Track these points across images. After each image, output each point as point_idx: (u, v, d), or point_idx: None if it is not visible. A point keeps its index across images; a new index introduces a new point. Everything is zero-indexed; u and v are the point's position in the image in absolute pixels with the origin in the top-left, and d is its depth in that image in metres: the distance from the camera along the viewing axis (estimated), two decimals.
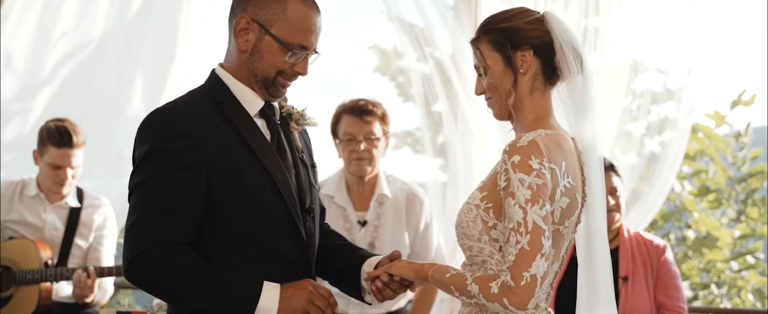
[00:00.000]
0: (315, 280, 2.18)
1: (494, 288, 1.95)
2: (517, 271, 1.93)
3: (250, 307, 2.00)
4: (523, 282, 1.92)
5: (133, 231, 2.01)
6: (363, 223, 3.55)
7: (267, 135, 2.15)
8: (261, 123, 2.15)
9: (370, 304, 2.29)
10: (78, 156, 3.69)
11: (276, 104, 2.21)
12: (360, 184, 3.57)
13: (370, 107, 3.49)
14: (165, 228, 1.99)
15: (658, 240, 3.73)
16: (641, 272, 3.62)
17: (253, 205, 2.06)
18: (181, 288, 2.00)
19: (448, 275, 2.04)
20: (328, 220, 2.61)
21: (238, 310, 2.01)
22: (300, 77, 2.16)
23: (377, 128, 3.50)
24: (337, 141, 3.57)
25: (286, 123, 2.22)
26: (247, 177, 2.06)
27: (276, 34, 2.08)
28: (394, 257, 2.20)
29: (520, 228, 1.94)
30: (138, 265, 2.00)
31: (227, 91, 2.13)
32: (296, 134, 2.23)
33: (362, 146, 3.46)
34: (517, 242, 1.94)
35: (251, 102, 2.13)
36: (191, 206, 2.02)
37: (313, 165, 2.28)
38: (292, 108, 2.24)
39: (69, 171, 3.68)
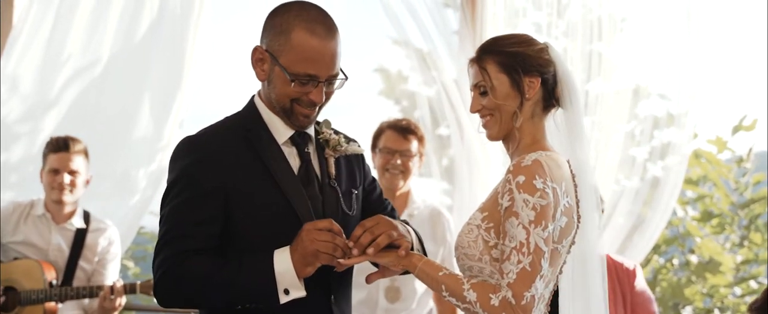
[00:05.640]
0: (332, 302, 2.19)
1: (494, 300, 1.98)
2: (518, 290, 1.97)
3: (270, 278, 2.03)
4: (523, 302, 1.97)
5: (156, 256, 2.10)
6: None
7: (296, 162, 2.18)
8: (291, 150, 2.18)
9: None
10: (76, 162, 3.75)
11: (312, 132, 2.23)
12: (391, 198, 3.74)
13: (412, 127, 3.76)
14: (180, 249, 2.07)
15: (628, 263, 3.56)
16: (610, 296, 3.47)
17: (270, 230, 2.10)
18: (205, 289, 2.06)
19: (441, 273, 2.06)
20: None
21: (262, 285, 2.04)
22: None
23: (414, 146, 3.73)
24: (376, 152, 3.77)
25: (322, 150, 2.24)
26: (266, 204, 2.10)
27: (283, 63, 2.11)
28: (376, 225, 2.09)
29: (522, 248, 1.97)
30: (161, 288, 2.10)
31: (259, 119, 2.18)
32: (331, 160, 2.24)
33: (398, 160, 3.69)
34: (519, 262, 1.97)
35: (280, 130, 2.18)
36: (208, 228, 2.08)
37: (350, 192, 2.27)
38: (330, 135, 2.25)
39: (66, 177, 3.73)
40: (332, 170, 2.24)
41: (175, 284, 2.07)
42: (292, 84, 2.10)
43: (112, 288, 3.62)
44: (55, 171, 3.73)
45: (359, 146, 2.30)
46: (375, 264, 2.20)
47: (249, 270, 2.04)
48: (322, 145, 2.25)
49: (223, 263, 2.06)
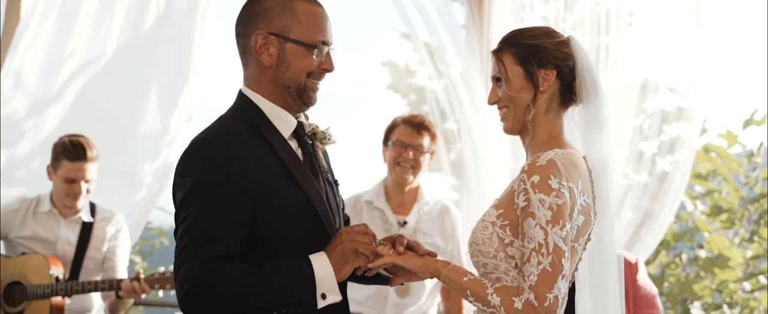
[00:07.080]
0: (346, 298, 2.18)
1: (517, 303, 1.96)
2: (540, 292, 1.95)
3: (310, 283, 2.02)
4: (546, 303, 1.95)
5: (181, 267, 2.01)
6: (403, 224, 3.75)
7: (300, 154, 2.15)
8: (293, 144, 2.16)
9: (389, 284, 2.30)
10: (91, 170, 3.73)
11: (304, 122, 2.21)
12: (400, 193, 3.78)
13: (426, 123, 3.77)
14: (209, 256, 1.99)
15: (630, 256, 3.58)
16: None
17: (294, 227, 2.07)
18: (241, 297, 1.99)
19: (465, 279, 2.05)
20: None
21: (301, 290, 2.02)
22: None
23: (427, 142, 3.74)
24: (388, 145, 3.78)
25: (311, 142, 2.22)
26: (288, 200, 2.06)
27: (296, 38, 2.10)
28: (398, 242, 2.17)
29: (541, 249, 1.96)
30: (192, 297, 2.00)
31: (260, 112, 2.13)
32: (321, 153, 2.23)
33: (410, 154, 3.71)
34: (539, 263, 1.96)
35: (285, 122, 2.14)
36: (236, 232, 2.01)
37: (337, 183, 2.29)
38: (316, 127, 2.24)
39: (83, 185, 3.72)
40: (324, 163, 2.23)
41: (208, 295, 1.98)
42: (315, 52, 2.10)
43: (117, 293, 3.62)
44: (72, 181, 3.71)
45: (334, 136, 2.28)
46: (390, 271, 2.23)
47: (287, 275, 2.01)
48: (310, 138, 2.22)
49: (256, 268, 2.01)
